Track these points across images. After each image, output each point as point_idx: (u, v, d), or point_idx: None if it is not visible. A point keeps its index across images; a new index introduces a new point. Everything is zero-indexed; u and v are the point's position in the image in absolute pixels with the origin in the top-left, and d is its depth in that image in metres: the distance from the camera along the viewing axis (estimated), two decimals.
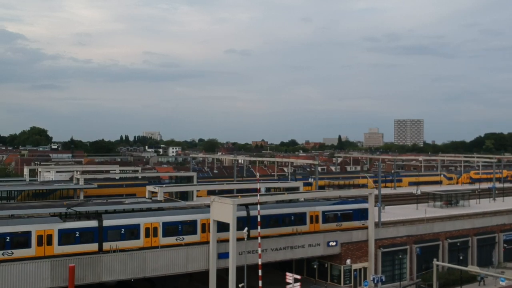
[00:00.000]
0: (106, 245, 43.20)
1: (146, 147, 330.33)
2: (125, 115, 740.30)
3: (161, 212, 47.43)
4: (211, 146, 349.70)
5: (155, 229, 45.04)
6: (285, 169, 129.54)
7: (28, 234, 40.74)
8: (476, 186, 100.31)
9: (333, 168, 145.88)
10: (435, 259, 48.74)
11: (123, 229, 44.05)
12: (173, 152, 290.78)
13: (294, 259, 51.93)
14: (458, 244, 60.63)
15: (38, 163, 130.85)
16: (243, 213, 48.48)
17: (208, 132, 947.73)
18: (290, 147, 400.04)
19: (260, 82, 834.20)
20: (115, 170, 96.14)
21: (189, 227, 46.61)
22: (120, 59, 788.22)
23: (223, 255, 45.15)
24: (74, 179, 75.53)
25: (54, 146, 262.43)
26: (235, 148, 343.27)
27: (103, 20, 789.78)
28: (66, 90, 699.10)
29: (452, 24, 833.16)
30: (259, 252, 44.48)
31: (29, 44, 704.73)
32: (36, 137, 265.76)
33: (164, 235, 45.44)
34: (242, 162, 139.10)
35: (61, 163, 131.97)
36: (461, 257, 58.35)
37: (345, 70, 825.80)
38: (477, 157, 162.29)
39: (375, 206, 54.89)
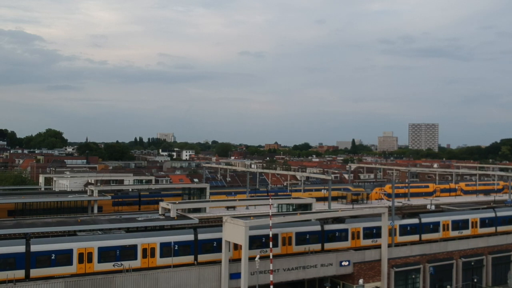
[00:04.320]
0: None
1: (160, 150, 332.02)
2: (139, 116, 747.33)
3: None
4: (224, 149, 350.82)
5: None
6: (298, 176, 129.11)
7: (134, 247, 43.98)
8: (491, 197, 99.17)
9: (346, 176, 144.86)
10: (448, 287, 48.18)
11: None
12: (186, 155, 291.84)
13: (306, 279, 51.78)
14: (473, 263, 60.01)
15: (53, 169, 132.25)
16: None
17: (221, 134, 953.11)
18: (303, 150, 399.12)
19: (274, 84, 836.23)
20: (129, 180, 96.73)
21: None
22: (136, 61, 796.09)
23: (235, 276, 45.28)
24: (88, 190, 76.11)
25: (69, 149, 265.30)
26: (248, 152, 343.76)
27: (119, 22, 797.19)
28: (82, 91, 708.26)
29: (468, 27, 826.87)
30: (271, 268, 44.72)
31: (46, 45, 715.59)
32: (52, 139, 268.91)
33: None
34: (255, 168, 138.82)
35: (75, 169, 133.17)
36: (475, 279, 57.71)
37: (360, 72, 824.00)
38: (493, 166, 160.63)
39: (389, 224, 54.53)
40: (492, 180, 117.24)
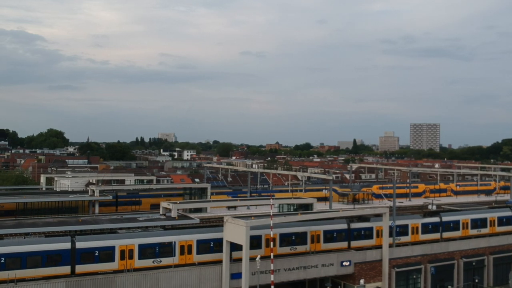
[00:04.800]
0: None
1: (161, 150, 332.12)
2: (141, 116, 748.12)
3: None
4: (225, 149, 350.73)
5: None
6: (299, 176, 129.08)
7: (172, 244, 45.34)
8: (492, 198, 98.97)
9: (347, 176, 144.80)
10: (449, 287, 48.14)
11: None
12: (187, 155, 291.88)
13: (307, 279, 51.73)
14: (474, 263, 59.93)
15: (55, 169, 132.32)
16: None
17: (223, 134, 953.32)
18: (304, 150, 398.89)
19: (275, 84, 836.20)
20: (130, 180, 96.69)
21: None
22: (137, 61, 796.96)
23: (236, 276, 45.27)
24: (89, 190, 76.07)
25: (70, 149, 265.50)
26: (249, 152, 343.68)
27: (120, 22, 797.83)
28: (83, 91, 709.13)
29: (469, 27, 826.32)
30: (271, 268, 44.74)
31: (48, 45, 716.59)
32: (53, 139, 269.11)
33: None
34: (256, 168, 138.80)
35: (77, 169, 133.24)
36: (476, 279, 57.65)
37: (361, 72, 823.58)
38: (494, 166, 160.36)
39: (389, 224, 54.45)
40: (488, 180, 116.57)
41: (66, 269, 41.61)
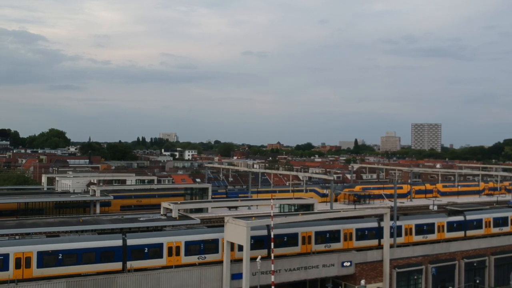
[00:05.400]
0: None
1: (163, 150, 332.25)
2: (142, 116, 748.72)
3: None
4: (226, 149, 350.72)
5: None
6: (300, 176, 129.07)
7: (216, 241, 46.44)
8: (493, 198, 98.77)
9: (348, 176, 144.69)
10: None
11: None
12: (189, 155, 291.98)
13: (308, 280, 51.69)
14: (475, 264, 59.84)
15: (56, 169, 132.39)
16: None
17: (224, 134, 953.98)
18: (305, 150, 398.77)
19: (277, 84, 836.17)
20: (131, 180, 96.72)
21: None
22: (138, 61, 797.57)
23: (237, 276, 45.24)
24: (90, 190, 76.15)
25: (72, 149, 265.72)
26: (250, 152, 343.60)
27: (122, 22, 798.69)
28: (85, 90, 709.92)
29: (471, 27, 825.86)
30: (272, 269, 44.76)
31: (49, 45, 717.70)
32: (55, 139, 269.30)
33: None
34: (257, 168, 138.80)
35: (78, 169, 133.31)
36: (477, 280, 57.58)
37: (363, 72, 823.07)
38: (496, 166, 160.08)
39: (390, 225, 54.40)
40: (477, 181, 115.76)
41: (118, 265, 43.16)
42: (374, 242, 55.94)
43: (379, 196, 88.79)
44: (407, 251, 56.80)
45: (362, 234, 55.25)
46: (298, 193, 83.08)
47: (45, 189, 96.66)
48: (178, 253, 45.44)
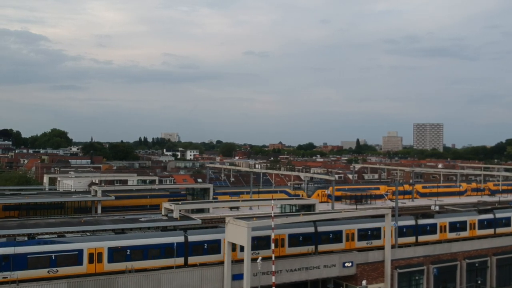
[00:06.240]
0: None
1: (164, 150, 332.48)
2: (144, 116, 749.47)
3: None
4: (228, 149, 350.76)
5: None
6: (302, 176, 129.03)
7: (267, 238, 47.83)
8: (496, 198, 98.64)
9: (350, 176, 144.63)
10: None
11: None
12: (190, 155, 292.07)
13: (309, 280, 51.61)
14: (477, 264, 59.65)
15: (58, 169, 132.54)
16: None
17: (226, 133, 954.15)
18: (307, 150, 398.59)
19: (278, 84, 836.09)
20: (132, 181, 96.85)
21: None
22: (140, 61, 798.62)
23: (238, 276, 45.19)
24: (92, 191, 76.24)
25: (74, 149, 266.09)
26: (252, 152, 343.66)
27: (123, 22, 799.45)
28: (87, 90, 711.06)
29: (473, 26, 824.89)
30: (273, 269, 44.76)
31: (51, 45, 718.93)
32: (57, 139, 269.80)
33: None
34: (259, 168, 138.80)
35: (80, 169, 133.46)
36: (479, 281, 57.45)
37: (364, 72, 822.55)
38: (498, 166, 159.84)
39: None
40: (455, 183, 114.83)
41: (180, 261, 45.54)
42: (412, 239, 58.48)
43: (353, 198, 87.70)
44: (409, 251, 56.63)
45: (400, 232, 57.35)
46: (265, 195, 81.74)
47: (47, 189, 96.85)
48: (234, 249, 47.10)
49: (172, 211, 54.89)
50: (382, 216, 54.05)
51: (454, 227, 62.26)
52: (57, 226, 48.60)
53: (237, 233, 43.88)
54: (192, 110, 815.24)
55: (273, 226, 45.15)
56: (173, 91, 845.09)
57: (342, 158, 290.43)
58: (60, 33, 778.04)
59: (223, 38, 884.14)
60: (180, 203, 57.49)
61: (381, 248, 53.41)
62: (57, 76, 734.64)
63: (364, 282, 51.87)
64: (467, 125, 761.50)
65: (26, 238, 41.96)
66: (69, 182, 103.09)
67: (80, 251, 41.68)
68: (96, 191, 73.97)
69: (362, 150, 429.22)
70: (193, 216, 58.01)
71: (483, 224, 64.90)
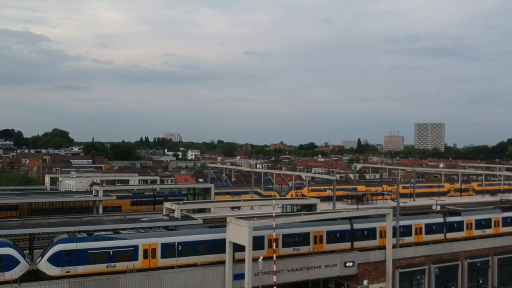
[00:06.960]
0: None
1: (166, 150, 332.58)
2: (145, 116, 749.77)
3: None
4: (229, 149, 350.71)
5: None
6: (303, 176, 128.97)
7: (307, 235, 51.22)
8: (497, 198, 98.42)
9: (351, 176, 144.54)
10: None
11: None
12: (192, 155, 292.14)
13: (310, 280, 51.60)
14: (478, 264, 59.58)
15: (59, 169, 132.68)
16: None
17: (227, 133, 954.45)
18: (308, 150, 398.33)
19: (279, 84, 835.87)
20: (134, 181, 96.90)
21: None
22: (141, 61, 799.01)
23: (239, 276, 45.19)
24: (93, 191, 76.28)
25: (75, 149, 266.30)
26: (253, 152, 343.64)
27: (124, 22, 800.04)
28: (88, 90, 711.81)
29: (474, 26, 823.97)
30: (274, 269, 44.74)
31: (52, 45, 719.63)
32: (58, 139, 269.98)
33: None
34: (260, 168, 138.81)
35: (81, 169, 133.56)
36: (480, 280, 57.37)
37: (365, 72, 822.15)
38: (499, 166, 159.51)
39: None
40: (439, 183, 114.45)
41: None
42: (441, 236, 60.54)
43: (329, 199, 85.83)
44: (410, 251, 56.60)
45: (429, 229, 59.74)
46: (245, 195, 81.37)
47: (48, 189, 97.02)
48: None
49: (173, 211, 54.96)
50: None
51: (479, 224, 63.94)
52: (58, 226, 48.45)
53: (238, 233, 43.88)
54: (193, 110, 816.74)
55: (274, 226, 45.15)
56: (174, 91, 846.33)
57: (344, 158, 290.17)
58: (61, 33, 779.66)
59: (224, 38, 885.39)
60: (181, 202, 57.37)
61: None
62: (58, 76, 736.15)
63: (365, 282, 51.85)
64: (469, 125, 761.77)
65: (85, 235, 43.44)
66: (70, 182, 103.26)
67: (136, 247, 43.49)
68: (97, 191, 73.96)
69: (363, 150, 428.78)
70: (195, 216, 57.98)
71: (506, 222, 66.50)
